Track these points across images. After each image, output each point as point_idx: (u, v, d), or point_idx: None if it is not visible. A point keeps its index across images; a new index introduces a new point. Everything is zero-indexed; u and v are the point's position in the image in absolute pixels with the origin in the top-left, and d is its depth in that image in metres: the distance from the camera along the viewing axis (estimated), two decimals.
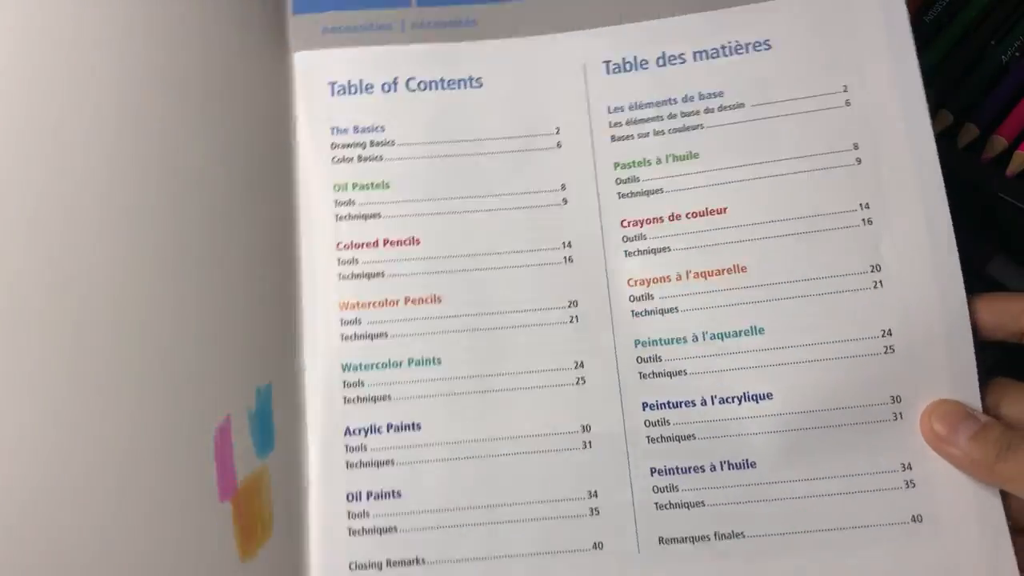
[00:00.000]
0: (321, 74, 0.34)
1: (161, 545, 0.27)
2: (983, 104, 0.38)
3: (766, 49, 0.33)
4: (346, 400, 0.31)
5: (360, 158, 0.33)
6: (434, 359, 0.31)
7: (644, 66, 0.34)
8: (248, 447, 0.29)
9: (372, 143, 0.33)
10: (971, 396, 0.29)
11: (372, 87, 0.34)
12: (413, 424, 0.31)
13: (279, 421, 0.30)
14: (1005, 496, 0.28)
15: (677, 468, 0.30)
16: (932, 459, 0.29)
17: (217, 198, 0.31)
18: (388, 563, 0.29)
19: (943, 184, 0.30)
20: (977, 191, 0.36)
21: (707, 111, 0.33)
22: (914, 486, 0.29)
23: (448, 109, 0.34)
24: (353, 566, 0.29)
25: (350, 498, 0.30)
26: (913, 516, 0.29)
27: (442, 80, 0.34)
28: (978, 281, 0.38)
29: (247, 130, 0.32)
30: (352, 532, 0.30)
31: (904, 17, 0.32)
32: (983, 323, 0.29)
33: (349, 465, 0.30)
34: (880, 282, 0.30)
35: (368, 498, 0.30)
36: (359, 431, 0.31)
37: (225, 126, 0.32)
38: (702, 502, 0.30)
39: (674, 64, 0.33)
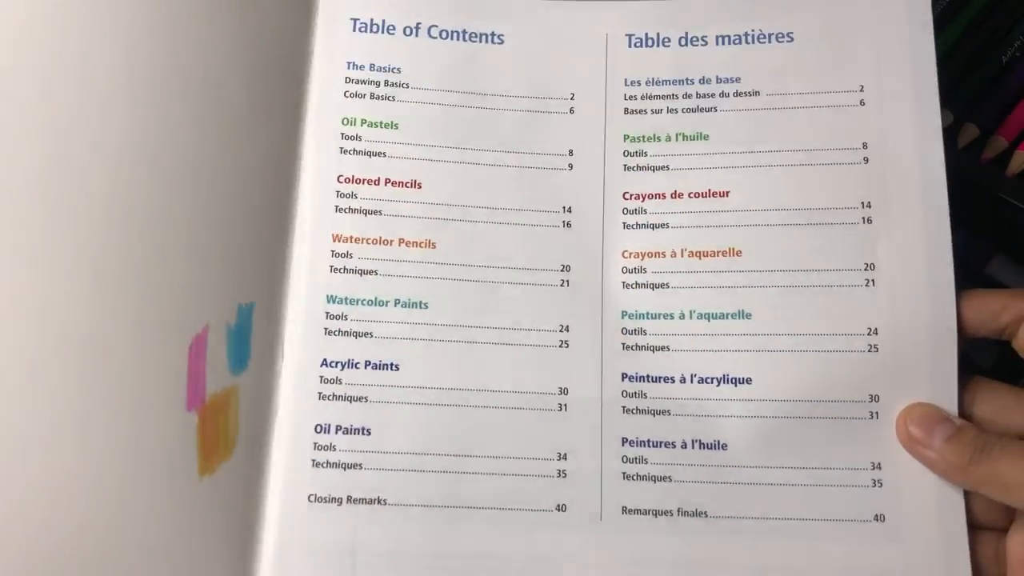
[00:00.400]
0: (345, 9, 0.34)
1: (120, 444, 0.26)
2: (983, 104, 0.38)
3: (788, 41, 0.33)
4: (327, 331, 0.30)
5: (372, 96, 0.33)
6: (421, 303, 0.31)
7: (666, 44, 0.34)
8: (222, 362, 0.29)
9: (386, 83, 0.33)
10: (949, 398, 0.29)
11: (394, 28, 0.34)
12: (391, 364, 0.30)
13: (256, 342, 0.30)
14: (968, 495, 0.28)
15: (649, 441, 0.30)
16: (901, 460, 0.29)
17: (224, 112, 0.30)
18: (348, 499, 0.29)
19: (946, 193, 0.30)
20: (977, 191, 0.36)
21: (723, 95, 0.33)
22: (881, 486, 0.29)
23: (467, 60, 0.33)
24: (313, 498, 0.29)
25: (318, 429, 0.30)
26: (876, 515, 0.29)
27: (464, 31, 0.34)
28: (978, 281, 0.39)
29: (264, 52, 0.32)
30: (316, 464, 0.29)
31: (928, 23, 0.32)
32: (966, 320, 0.29)
33: (322, 396, 0.30)
34: (872, 281, 0.30)
35: (336, 432, 0.30)
36: (336, 364, 0.30)
37: (241, 44, 0.31)
38: (669, 477, 0.30)
39: (696, 45, 0.33)
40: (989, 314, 0.29)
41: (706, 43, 0.33)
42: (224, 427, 0.28)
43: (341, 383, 0.30)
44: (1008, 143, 0.37)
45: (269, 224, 0.31)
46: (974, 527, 0.28)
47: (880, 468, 0.29)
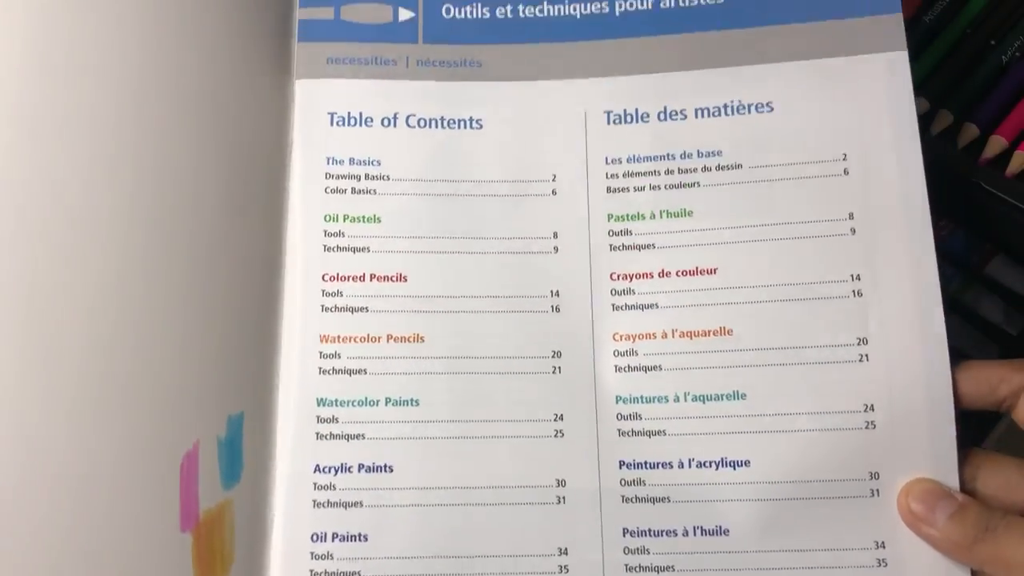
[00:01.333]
0: (322, 103, 0.34)
1: (116, 572, 0.26)
2: (983, 104, 0.38)
3: (768, 111, 0.33)
4: (318, 436, 0.30)
5: (354, 190, 0.33)
6: (412, 400, 0.31)
7: (645, 119, 0.33)
8: (214, 476, 0.29)
9: (367, 176, 0.33)
10: (949, 473, 0.29)
11: (372, 120, 0.34)
12: (385, 466, 0.30)
13: (248, 452, 0.30)
14: (976, 571, 0.28)
15: (650, 531, 0.30)
16: (905, 539, 0.29)
17: (205, 218, 0.30)
18: None
19: (935, 260, 0.30)
20: (977, 191, 0.36)
21: (704, 169, 0.33)
22: (886, 565, 0.29)
23: (446, 148, 0.33)
24: None
25: (315, 539, 0.29)
26: None
27: (442, 119, 0.34)
28: (978, 281, 0.39)
29: (242, 153, 0.32)
30: (314, 574, 0.29)
31: (908, 89, 0.32)
32: (962, 393, 0.29)
33: (316, 504, 0.30)
34: (866, 355, 0.30)
35: (333, 540, 0.29)
36: (329, 469, 0.30)
37: (220, 147, 0.31)
38: (672, 567, 0.29)
39: (675, 119, 0.33)
40: (987, 387, 0.29)
41: (685, 116, 0.33)
42: (220, 545, 0.28)
43: (335, 489, 0.30)
44: (1008, 143, 0.37)
45: (256, 329, 0.31)
46: None
47: (884, 547, 0.29)
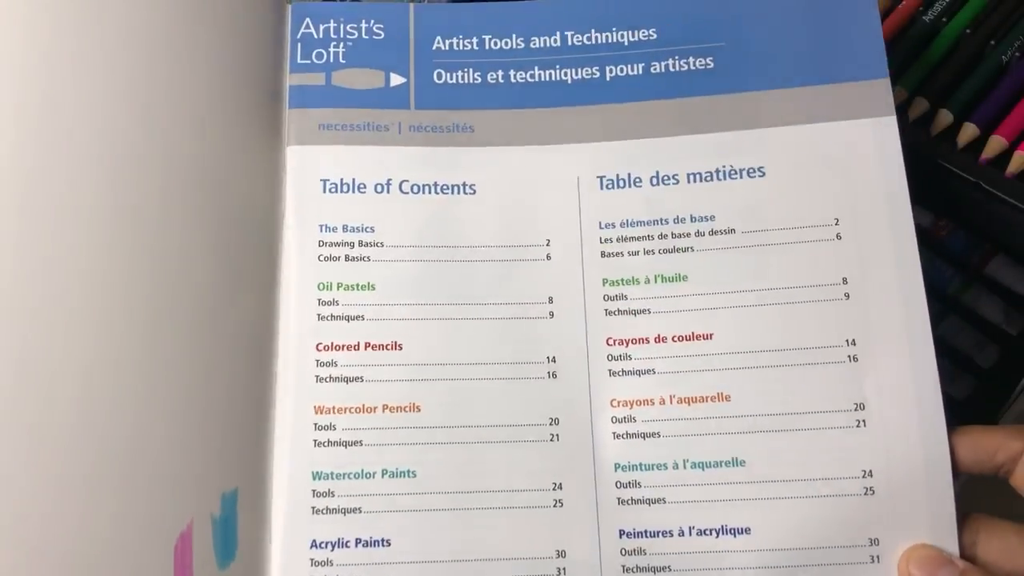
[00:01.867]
0: (314, 170, 0.34)
1: None
2: (983, 104, 0.38)
3: (760, 176, 0.33)
4: (314, 510, 0.30)
5: (347, 258, 0.33)
6: (409, 471, 0.30)
7: (638, 184, 0.34)
8: (209, 557, 0.28)
9: (360, 243, 0.33)
10: (949, 538, 0.29)
11: (365, 187, 0.34)
12: (383, 540, 0.30)
13: (243, 529, 0.29)
14: None
15: None
16: None
17: (197, 289, 0.30)
18: None
19: (929, 323, 0.30)
20: (976, 191, 0.36)
21: (698, 234, 0.33)
22: None
23: (440, 214, 0.33)
24: None
25: None
26: None
27: (435, 184, 0.34)
28: (978, 281, 0.39)
29: (234, 222, 0.32)
30: None
31: (897, 152, 0.32)
32: (960, 459, 0.29)
33: None
34: (863, 421, 0.30)
35: None
36: (326, 544, 0.29)
37: (212, 216, 0.31)
38: None
39: (667, 184, 0.33)
40: (984, 453, 0.29)
41: (677, 181, 0.33)
42: None
43: (333, 565, 0.29)
44: (1007, 143, 0.37)
45: (249, 402, 0.30)
46: None
47: None
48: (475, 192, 0.34)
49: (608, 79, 0.35)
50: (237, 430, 0.30)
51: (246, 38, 0.34)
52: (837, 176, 0.32)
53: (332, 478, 0.30)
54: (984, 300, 0.39)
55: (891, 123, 0.32)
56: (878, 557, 0.29)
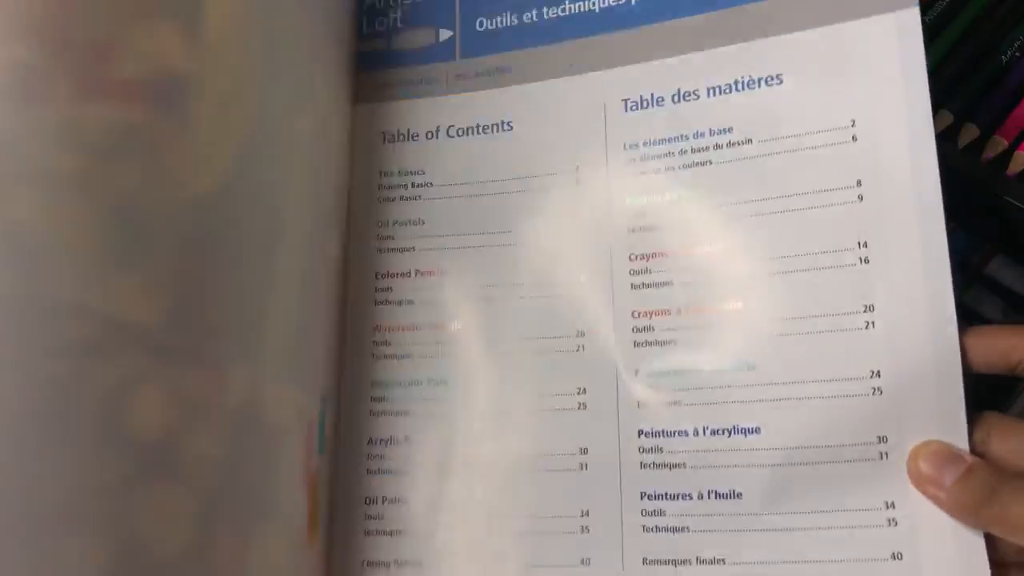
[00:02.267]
0: (376, 125, 0.38)
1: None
2: (983, 104, 0.37)
3: (778, 83, 0.33)
4: (371, 413, 0.35)
5: (402, 198, 0.37)
6: (444, 380, 0.34)
7: (660, 103, 0.35)
8: (315, 446, 0.33)
9: (413, 184, 0.37)
10: (959, 435, 0.28)
11: (418, 135, 0.38)
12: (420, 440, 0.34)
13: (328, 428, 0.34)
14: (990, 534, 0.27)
15: (666, 494, 0.31)
16: (915, 499, 0.28)
17: (297, 231, 0.35)
18: (395, 563, 0.33)
19: (944, 226, 0.29)
20: (977, 191, 0.35)
21: (716, 147, 0.33)
22: (896, 524, 0.28)
23: (481, 153, 0.37)
24: (364, 564, 0.33)
25: (367, 502, 0.34)
26: (893, 553, 0.28)
27: (477, 126, 0.37)
28: (978, 281, 0.39)
29: (326, 173, 0.37)
30: (366, 532, 0.34)
31: (920, 52, 0.30)
32: (972, 359, 0.28)
33: (369, 472, 0.34)
34: (872, 323, 0.29)
35: (383, 503, 0.34)
36: (381, 442, 0.34)
37: (305, 169, 0.36)
38: (687, 527, 0.31)
39: (688, 100, 0.34)
40: (998, 354, 0.27)
41: (698, 97, 0.34)
42: (315, 505, 0.33)
43: (383, 459, 0.34)
44: (1008, 143, 0.36)
45: (334, 321, 0.36)
46: (997, 564, 0.27)
47: (894, 507, 0.28)
48: (511, 129, 0.37)
49: (634, 3, 0.36)
50: (329, 343, 0.35)
51: (337, 10, 0.39)
52: (856, 75, 0.31)
53: (386, 386, 0.35)
54: (984, 300, 0.38)
55: (914, 15, 0.31)
56: (886, 454, 0.29)
